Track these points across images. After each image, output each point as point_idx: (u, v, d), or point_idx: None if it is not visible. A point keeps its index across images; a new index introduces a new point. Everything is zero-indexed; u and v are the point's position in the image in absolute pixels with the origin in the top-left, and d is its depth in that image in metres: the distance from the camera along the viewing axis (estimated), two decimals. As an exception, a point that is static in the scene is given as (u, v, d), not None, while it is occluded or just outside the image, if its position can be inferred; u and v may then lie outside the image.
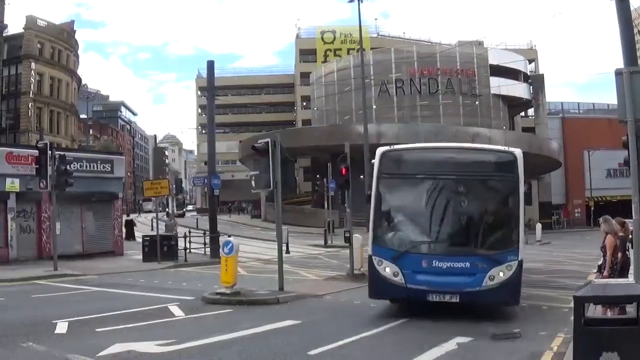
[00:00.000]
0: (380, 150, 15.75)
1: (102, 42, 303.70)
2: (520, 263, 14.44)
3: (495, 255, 14.48)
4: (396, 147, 16.50)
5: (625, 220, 14.65)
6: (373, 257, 15.21)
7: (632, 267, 13.41)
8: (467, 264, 14.45)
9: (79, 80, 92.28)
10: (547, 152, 71.14)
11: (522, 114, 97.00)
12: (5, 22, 72.77)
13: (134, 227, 48.25)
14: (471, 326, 13.40)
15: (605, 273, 14.04)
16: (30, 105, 74.27)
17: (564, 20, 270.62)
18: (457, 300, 14.39)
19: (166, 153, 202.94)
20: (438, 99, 78.53)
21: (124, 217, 45.05)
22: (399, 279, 14.71)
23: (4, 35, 72.36)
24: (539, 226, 54.27)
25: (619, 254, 13.72)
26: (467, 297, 14.42)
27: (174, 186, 50.72)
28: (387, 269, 14.87)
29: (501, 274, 14.25)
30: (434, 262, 14.58)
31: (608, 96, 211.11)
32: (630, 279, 12.60)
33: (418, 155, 16.35)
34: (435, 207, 15.32)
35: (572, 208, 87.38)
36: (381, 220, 15.52)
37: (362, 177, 33.52)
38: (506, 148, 16.19)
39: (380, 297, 15.82)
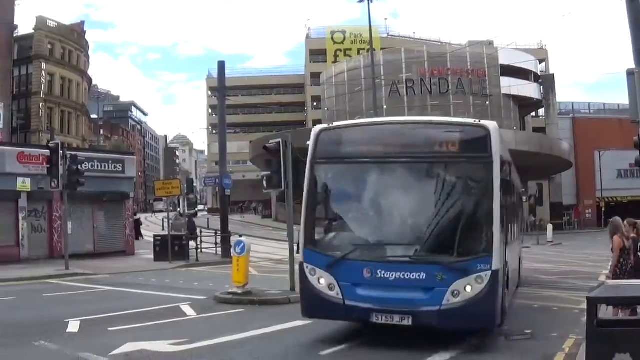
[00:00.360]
0: (316, 129, 12.82)
1: (111, 43, 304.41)
2: (496, 274, 11.26)
3: (460, 263, 11.33)
4: (337, 123, 13.65)
5: (637, 221, 14.45)
6: (305, 265, 12.23)
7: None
8: (422, 275, 11.37)
9: (90, 80, 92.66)
10: (558, 152, 70.83)
11: (533, 114, 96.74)
12: (15, 22, 73.23)
13: (141, 227, 48.50)
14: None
15: (607, 273, 13.88)
16: (41, 105, 74.66)
17: (574, 20, 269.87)
18: (410, 323, 11.40)
19: (177, 153, 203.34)
20: (449, 99, 78.31)
21: (133, 217, 45.29)
22: (336, 293, 11.81)
23: (14, 35, 72.75)
24: (550, 227, 54.07)
25: (632, 256, 13.56)
26: (423, 319, 11.33)
27: (186, 186, 50.91)
28: (322, 280, 11.94)
29: (468, 288, 11.16)
30: (378, 271, 11.53)
31: (618, 96, 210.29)
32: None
33: (363, 134, 12.95)
34: (382, 200, 12.42)
35: (583, 209, 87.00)
36: (315, 218, 12.59)
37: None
38: (476, 121, 12.32)
39: (315, 315, 12.74)
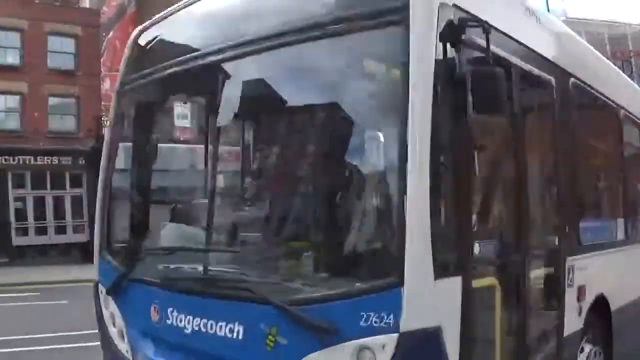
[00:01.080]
0: (133, 32, 6.25)
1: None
2: (436, 335, 3.62)
3: (316, 307, 3.85)
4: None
5: None
6: (99, 287, 5.97)
7: None
8: (237, 330, 4.32)
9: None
10: None
11: None
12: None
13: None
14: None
15: None
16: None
17: None
18: None
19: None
20: (634, 82, 75.84)
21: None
22: (126, 347, 5.55)
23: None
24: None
25: None
26: None
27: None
28: (117, 321, 5.69)
29: None
30: (169, 311, 4.88)
31: None
32: None
33: (190, 22, 5.63)
34: (204, 151, 6.20)
35: None
36: (113, 196, 6.14)
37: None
38: None
39: None
